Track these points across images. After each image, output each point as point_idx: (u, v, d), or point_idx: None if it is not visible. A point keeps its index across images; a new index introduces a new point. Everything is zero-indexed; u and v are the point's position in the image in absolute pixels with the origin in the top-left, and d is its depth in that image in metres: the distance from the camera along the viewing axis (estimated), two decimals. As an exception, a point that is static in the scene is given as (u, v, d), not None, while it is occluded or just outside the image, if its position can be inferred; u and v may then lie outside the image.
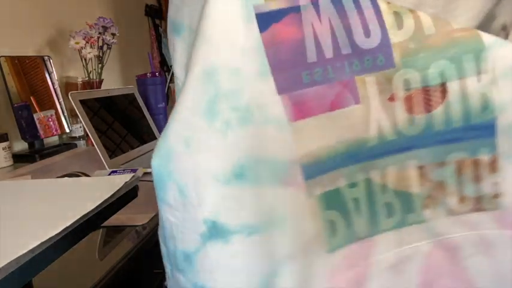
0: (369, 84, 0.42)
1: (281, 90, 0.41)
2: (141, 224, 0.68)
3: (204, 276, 0.42)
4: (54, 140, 1.45)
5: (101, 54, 1.51)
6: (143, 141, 1.18)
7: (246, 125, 0.41)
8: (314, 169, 0.43)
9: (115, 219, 0.59)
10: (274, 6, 0.40)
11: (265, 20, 0.41)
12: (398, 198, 0.46)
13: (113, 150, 1.03)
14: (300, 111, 0.42)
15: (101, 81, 1.54)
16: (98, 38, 1.48)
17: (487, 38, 0.41)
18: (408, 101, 0.42)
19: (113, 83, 1.96)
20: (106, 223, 0.50)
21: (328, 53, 0.42)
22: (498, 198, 0.45)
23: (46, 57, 1.39)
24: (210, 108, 0.41)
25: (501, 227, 0.46)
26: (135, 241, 0.62)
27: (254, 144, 0.42)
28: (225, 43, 0.40)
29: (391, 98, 0.43)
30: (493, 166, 0.44)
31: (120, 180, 0.53)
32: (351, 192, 0.45)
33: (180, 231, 0.42)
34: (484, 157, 0.44)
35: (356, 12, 0.41)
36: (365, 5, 0.41)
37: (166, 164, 0.42)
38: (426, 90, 0.42)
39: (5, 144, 1.14)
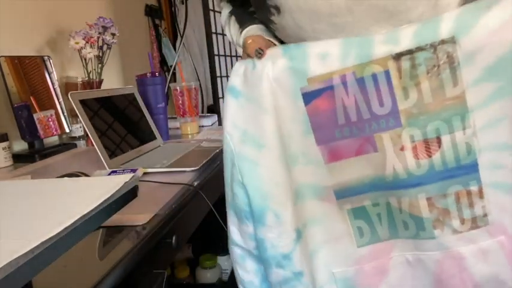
0: (384, 139, 0.58)
1: (319, 142, 0.61)
2: (141, 224, 0.68)
3: (298, 264, 0.64)
4: (54, 140, 1.45)
5: (100, 54, 1.51)
6: (143, 141, 1.18)
7: (295, 166, 0.62)
8: (343, 193, 0.62)
9: (115, 219, 0.59)
10: (314, 87, 0.58)
11: (308, 97, 0.59)
12: (412, 219, 0.61)
13: (113, 150, 1.03)
14: (332, 156, 0.61)
15: (100, 81, 1.54)
16: (98, 38, 1.47)
17: (471, 102, 0.55)
18: (414, 149, 0.57)
19: (113, 83, 1.96)
20: (106, 223, 0.50)
21: (353, 118, 0.58)
22: (486, 217, 0.60)
23: (46, 57, 1.39)
24: (289, 158, 0.62)
25: (492, 237, 0.61)
26: (135, 241, 0.62)
27: (299, 177, 0.63)
28: (286, 116, 0.60)
29: (402, 148, 0.57)
30: (480, 194, 0.59)
31: (120, 180, 0.53)
32: (374, 209, 0.63)
33: (278, 241, 0.63)
34: (474, 188, 0.59)
35: (374, 89, 0.56)
36: (381, 82, 0.56)
37: (266, 202, 0.62)
38: (426, 142, 0.57)
39: (4, 144, 1.14)
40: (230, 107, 0.62)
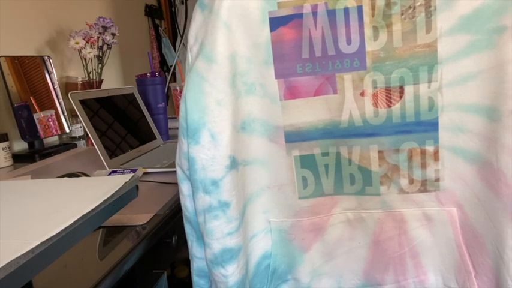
0: (346, 80, 0.56)
1: (278, 75, 0.57)
2: (141, 224, 0.68)
3: (226, 194, 0.57)
4: (54, 140, 1.45)
5: (100, 54, 1.51)
6: (143, 141, 1.18)
7: (250, 96, 0.58)
8: (294, 136, 0.59)
9: (115, 219, 0.59)
10: (283, 12, 0.55)
11: (275, 22, 0.55)
12: (360, 172, 0.60)
13: (113, 150, 1.03)
14: (290, 93, 0.58)
15: (100, 81, 1.54)
16: (98, 38, 1.48)
17: (442, 53, 0.53)
18: (374, 97, 0.55)
19: (113, 83, 1.96)
20: (106, 223, 0.50)
21: (318, 53, 0.56)
22: (438, 182, 0.58)
23: (46, 57, 1.39)
24: (232, 80, 0.56)
25: (440, 205, 0.59)
26: (135, 241, 0.62)
27: (253, 109, 0.59)
28: (245, 38, 0.56)
29: (362, 93, 0.56)
30: (436, 156, 0.57)
31: (120, 180, 0.53)
32: (322, 159, 0.61)
33: (209, 164, 0.57)
34: (429, 147, 0.57)
35: (344, 24, 0.54)
36: (352, 18, 0.54)
37: (203, 116, 0.56)
38: (388, 90, 0.55)
39: (5, 144, 1.14)
40: (195, 20, 0.60)
